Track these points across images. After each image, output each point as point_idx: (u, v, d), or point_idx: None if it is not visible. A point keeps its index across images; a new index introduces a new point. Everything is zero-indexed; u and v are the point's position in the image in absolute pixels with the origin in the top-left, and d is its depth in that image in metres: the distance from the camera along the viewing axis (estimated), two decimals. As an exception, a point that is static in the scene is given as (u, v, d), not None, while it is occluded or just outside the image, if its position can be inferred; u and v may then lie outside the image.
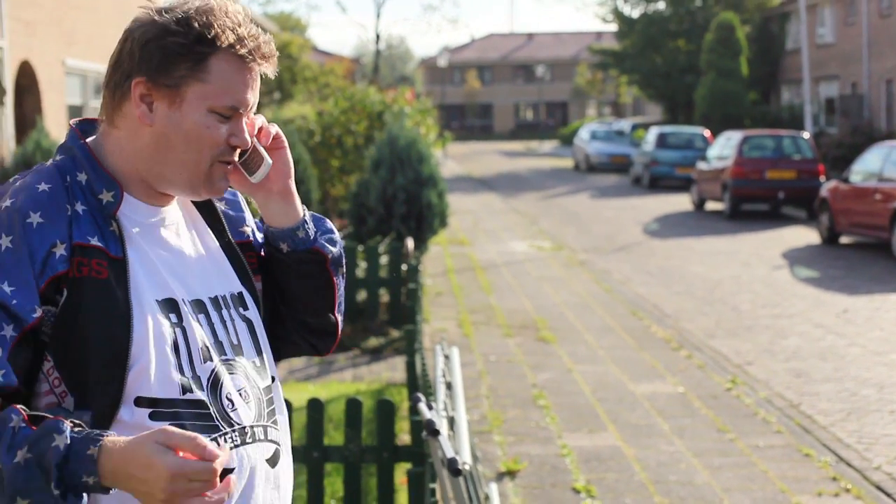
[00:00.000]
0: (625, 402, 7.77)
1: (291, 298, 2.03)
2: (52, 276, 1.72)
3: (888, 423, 7.26)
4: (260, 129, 1.94)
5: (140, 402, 1.75)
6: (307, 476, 4.77)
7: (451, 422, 4.12)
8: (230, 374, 1.85)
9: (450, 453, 3.19)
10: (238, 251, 1.98)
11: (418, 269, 9.17)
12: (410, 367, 6.24)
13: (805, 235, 18.13)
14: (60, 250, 1.73)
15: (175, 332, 1.79)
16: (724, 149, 22.58)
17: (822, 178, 20.74)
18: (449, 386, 4.59)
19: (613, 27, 46.47)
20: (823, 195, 17.29)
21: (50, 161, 1.86)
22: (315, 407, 4.68)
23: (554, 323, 10.70)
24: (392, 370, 8.69)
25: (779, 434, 7.00)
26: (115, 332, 1.73)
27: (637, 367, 8.82)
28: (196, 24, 1.79)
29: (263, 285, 2.02)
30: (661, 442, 6.80)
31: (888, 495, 5.95)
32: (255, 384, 1.89)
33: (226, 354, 1.86)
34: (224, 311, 1.89)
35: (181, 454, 1.57)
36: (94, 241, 1.76)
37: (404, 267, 10.04)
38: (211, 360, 1.83)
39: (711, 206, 23.34)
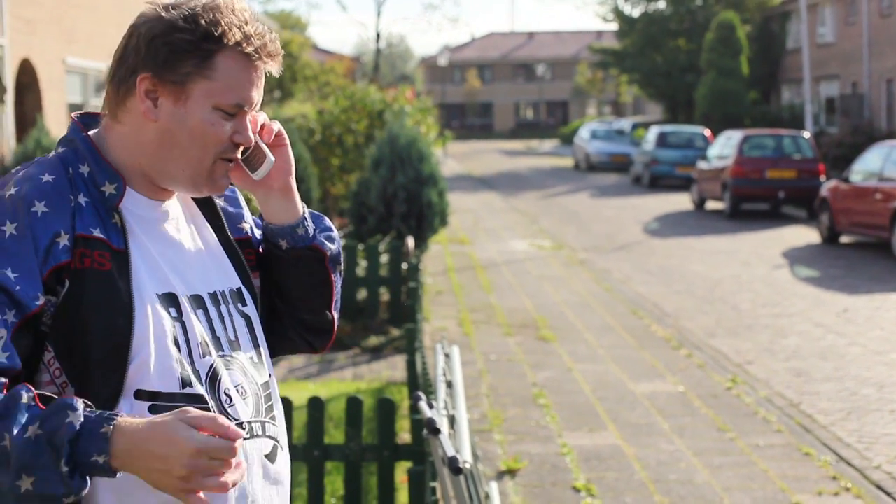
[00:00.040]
0: (625, 401, 7.77)
1: (289, 295, 2.03)
2: (54, 266, 1.72)
3: (888, 423, 7.27)
4: (262, 127, 1.94)
5: (140, 395, 1.75)
6: (308, 474, 4.77)
7: (452, 420, 4.12)
8: (227, 370, 1.85)
9: (450, 452, 3.19)
10: (236, 247, 1.98)
11: (418, 268, 9.17)
12: (411, 365, 6.24)
13: (805, 235, 18.13)
14: (64, 241, 1.73)
15: (175, 327, 1.80)
16: (724, 148, 22.58)
17: (823, 178, 20.74)
18: (449, 384, 4.59)
19: (614, 26, 46.47)
20: (824, 195, 17.28)
21: (52, 153, 1.86)
22: (315, 405, 4.68)
23: (554, 322, 10.70)
24: (392, 369, 8.69)
25: (779, 433, 7.01)
26: (117, 324, 1.74)
27: (637, 366, 8.82)
28: (203, 21, 1.79)
29: (261, 282, 2.03)
30: (662, 441, 6.80)
31: (888, 494, 5.95)
32: (252, 380, 1.90)
33: (223, 350, 1.87)
34: (222, 307, 1.90)
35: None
36: (97, 233, 1.77)
37: (405, 266, 10.04)
38: (210, 355, 1.83)
39: (712, 205, 23.34)
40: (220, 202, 2.02)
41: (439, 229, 14.18)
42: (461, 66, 76.86)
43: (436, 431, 3.35)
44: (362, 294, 10.14)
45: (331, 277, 2.03)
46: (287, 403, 4.56)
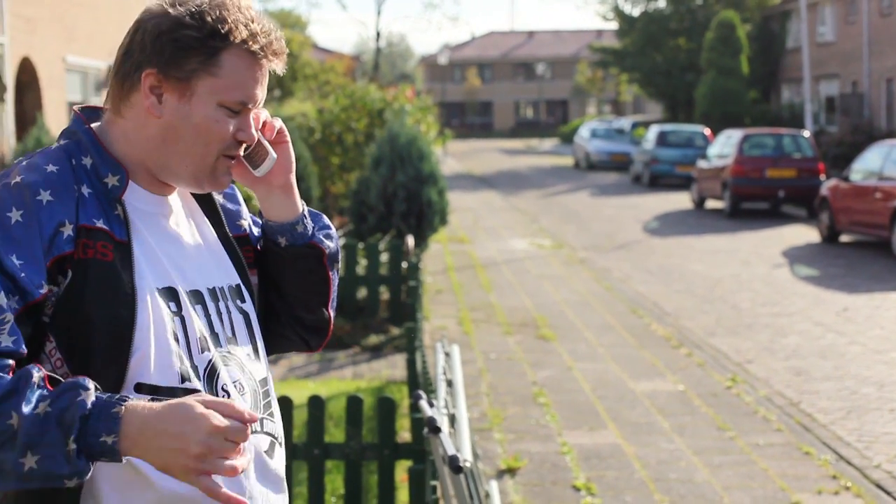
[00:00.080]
0: (625, 399, 7.77)
1: (286, 293, 2.04)
2: (57, 256, 1.72)
3: (888, 422, 7.27)
4: (264, 124, 1.94)
5: (140, 388, 1.75)
6: (308, 473, 4.77)
7: (452, 419, 4.12)
8: (226, 366, 1.86)
9: (451, 451, 3.19)
10: (235, 244, 1.99)
11: (418, 267, 9.17)
12: (411, 364, 6.24)
13: (805, 234, 18.14)
14: (68, 230, 1.74)
15: (174, 321, 1.80)
16: (724, 147, 22.57)
17: (823, 177, 20.74)
18: (450, 383, 4.59)
19: (614, 25, 46.46)
20: (823, 194, 17.29)
21: (55, 144, 1.86)
22: (316, 404, 4.68)
23: (554, 321, 10.71)
24: (392, 368, 8.69)
25: (779, 432, 7.01)
26: (119, 315, 1.74)
27: (637, 365, 8.82)
28: (209, 19, 1.80)
29: (258, 280, 2.04)
30: (661, 440, 6.81)
31: (888, 493, 5.95)
32: (250, 376, 1.90)
33: (221, 346, 1.87)
34: (221, 303, 1.90)
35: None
36: (100, 224, 1.77)
37: (405, 264, 10.04)
38: (208, 350, 1.84)
39: (711, 204, 23.34)
40: (219, 199, 2.02)
41: (439, 228, 14.19)
42: (461, 64, 76.85)
43: (436, 430, 3.36)
44: (362, 293, 10.14)
45: (328, 275, 2.04)
46: (287, 402, 4.56)
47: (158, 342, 1.77)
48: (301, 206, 2.01)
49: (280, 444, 1.95)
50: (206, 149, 1.84)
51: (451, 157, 44.35)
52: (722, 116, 35.27)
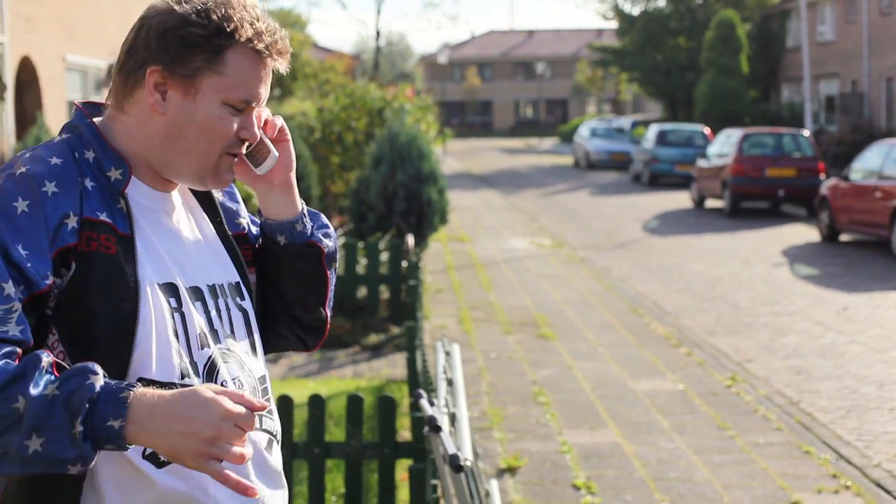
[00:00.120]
0: (625, 399, 7.78)
1: (284, 291, 2.04)
2: (61, 248, 1.72)
3: (888, 421, 7.27)
4: (266, 122, 1.95)
5: (142, 383, 1.75)
6: (308, 472, 4.77)
7: (453, 418, 4.12)
8: (225, 362, 1.86)
9: (452, 449, 3.19)
10: (233, 242, 1.99)
11: (418, 266, 9.18)
12: (411, 363, 6.24)
13: (805, 233, 18.14)
14: (72, 223, 1.74)
15: (175, 317, 1.80)
16: (724, 146, 22.57)
17: (822, 176, 20.74)
18: (450, 382, 4.59)
19: (614, 24, 46.45)
20: (823, 193, 17.29)
21: (56, 138, 1.86)
22: (316, 403, 4.69)
23: (554, 320, 10.71)
24: (392, 367, 8.69)
25: (779, 431, 7.01)
26: (122, 308, 1.74)
27: (637, 364, 8.82)
28: (215, 17, 1.80)
29: (256, 278, 2.04)
30: (661, 439, 6.81)
31: (888, 492, 5.95)
32: (249, 373, 1.91)
33: (221, 343, 1.87)
34: (220, 300, 1.91)
35: None
36: (103, 217, 1.77)
37: (404, 263, 10.04)
38: (208, 346, 1.84)
39: (711, 203, 23.34)
40: (218, 196, 2.02)
41: (439, 227, 14.19)
42: (461, 64, 76.84)
43: (437, 429, 3.36)
44: (362, 292, 10.14)
45: (326, 274, 2.04)
46: (287, 401, 4.57)
47: (159, 337, 1.77)
48: (300, 204, 2.02)
49: (277, 441, 1.96)
50: (209, 146, 1.84)
51: (451, 156, 44.35)
52: (722, 115, 35.27)
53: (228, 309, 1.92)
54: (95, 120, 1.88)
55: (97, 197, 1.78)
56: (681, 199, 24.79)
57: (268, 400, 1.94)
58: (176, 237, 1.88)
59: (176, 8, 1.80)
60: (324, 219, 2.08)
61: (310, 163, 15.46)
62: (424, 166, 13.54)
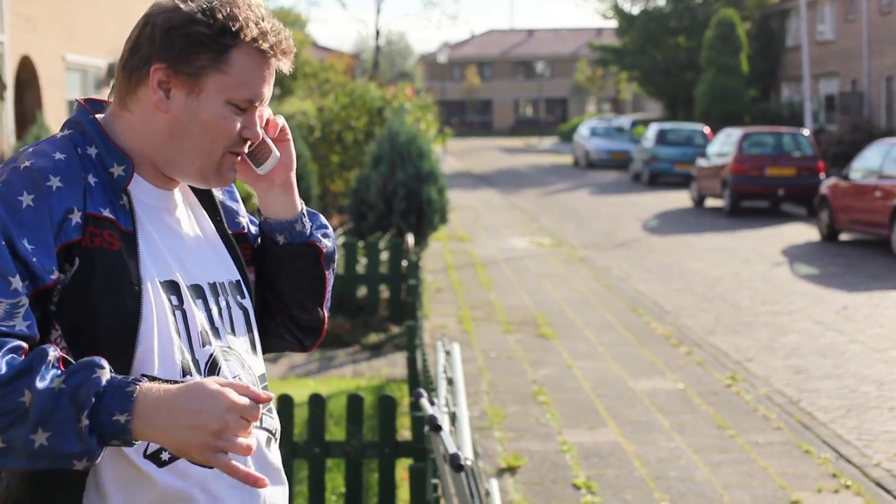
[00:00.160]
0: (625, 398, 7.78)
1: (282, 291, 2.04)
2: (65, 243, 1.72)
3: (888, 420, 7.27)
4: (267, 122, 1.95)
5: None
6: (309, 471, 4.77)
7: (453, 417, 4.12)
8: (226, 360, 1.86)
9: (452, 449, 3.19)
10: (233, 241, 2.00)
11: (418, 265, 9.18)
12: (411, 362, 6.25)
13: (805, 232, 18.14)
14: (76, 218, 1.74)
15: (176, 315, 1.80)
16: (723, 146, 22.57)
17: (822, 176, 20.74)
18: (450, 381, 4.59)
19: (613, 23, 46.45)
20: (823, 192, 17.29)
21: (59, 134, 1.86)
22: (316, 403, 4.69)
23: (554, 319, 10.71)
24: (392, 366, 8.69)
25: (778, 430, 7.01)
26: (125, 304, 1.74)
27: (637, 364, 8.83)
28: (220, 16, 1.80)
29: (255, 278, 2.05)
30: (661, 438, 6.81)
31: (888, 492, 5.95)
32: (250, 371, 1.91)
33: (221, 341, 1.88)
34: (221, 298, 1.91)
35: None
36: (106, 213, 1.77)
37: (404, 263, 10.04)
38: (209, 344, 1.84)
39: (711, 202, 23.34)
40: (218, 195, 2.03)
41: (439, 226, 14.19)
42: (461, 63, 76.84)
43: (437, 428, 3.36)
44: (362, 291, 10.14)
45: (325, 274, 2.05)
46: (288, 400, 4.57)
47: (161, 334, 1.77)
48: (300, 204, 2.02)
49: (276, 439, 1.96)
50: (212, 145, 1.84)
51: (451, 155, 44.34)
52: (721, 115, 35.26)
53: (229, 307, 1.92)
54: (98, 116, 1.88)
55: (100, 193, 1.78)
56: (680, 199, 24.79)
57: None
58: (177, 235, 1.88)
59: (181, 6, 1.80)
60: (323, 219, 2.08)
61: (309, 162, 15.46)
62: (424, 165, 13.54)
